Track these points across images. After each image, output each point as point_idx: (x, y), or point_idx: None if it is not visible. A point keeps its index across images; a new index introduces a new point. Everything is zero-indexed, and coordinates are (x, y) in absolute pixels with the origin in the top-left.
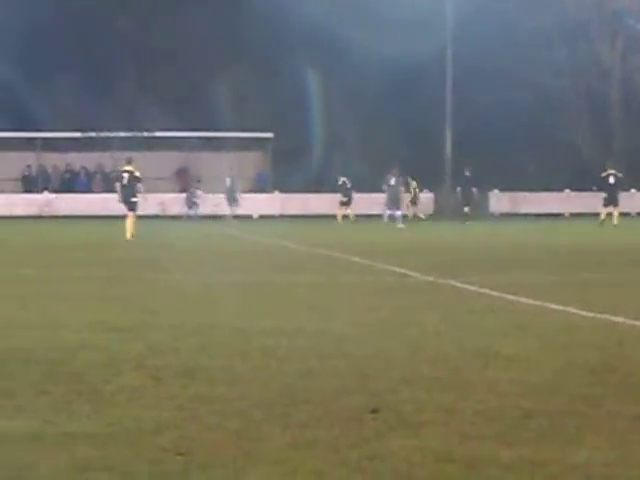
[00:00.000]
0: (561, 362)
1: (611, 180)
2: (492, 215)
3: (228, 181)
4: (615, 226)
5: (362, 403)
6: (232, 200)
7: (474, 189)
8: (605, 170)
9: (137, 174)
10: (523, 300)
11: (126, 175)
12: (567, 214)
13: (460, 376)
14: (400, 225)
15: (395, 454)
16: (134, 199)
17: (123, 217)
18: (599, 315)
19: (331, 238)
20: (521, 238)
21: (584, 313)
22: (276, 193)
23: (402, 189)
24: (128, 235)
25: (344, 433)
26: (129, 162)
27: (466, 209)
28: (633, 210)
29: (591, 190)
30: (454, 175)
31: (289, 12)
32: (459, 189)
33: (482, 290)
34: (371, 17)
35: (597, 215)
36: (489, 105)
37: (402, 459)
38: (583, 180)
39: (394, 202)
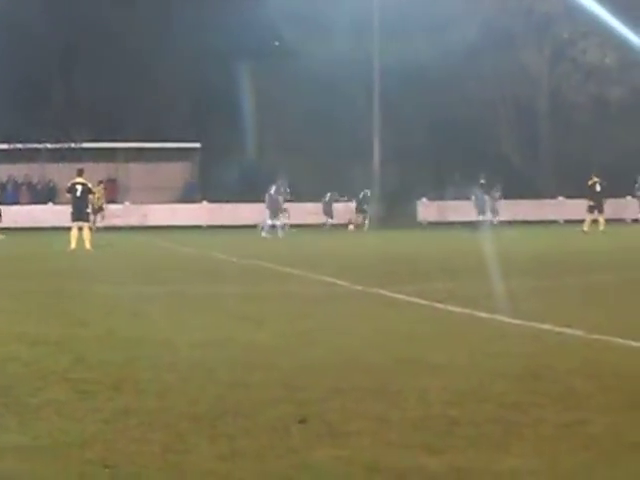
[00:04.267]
0: (489, 370)
1: (597, 188)
2: (420, 224)
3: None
4: (603, 232)
5: (290, 413)
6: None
7: (486, 197)
8: (591, 178)
9: (90, 185)
10: (451, 308)
11: (79, 187)
12: (495, 221)
13: (389, 385)
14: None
15: (323, 464)
16: (88, 210)
17: (67, 229)
18: (527, 323)
19: (261, 248)
20: (449, 247)
21: (512, 321)
22: (204, 203)
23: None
24: (87, 245)
25: (272, 444)
26: (80, 174)
27: (481, 217)
28: (561, 217)
29: (520, 198)
30: (382, 185)
31: (216, 21)
32: (473, 197)
33: (411, 299)
34: (301, 27)
35: (526, 222)
36: (416, 116)
37: (330, 469)
38: (511, 188)
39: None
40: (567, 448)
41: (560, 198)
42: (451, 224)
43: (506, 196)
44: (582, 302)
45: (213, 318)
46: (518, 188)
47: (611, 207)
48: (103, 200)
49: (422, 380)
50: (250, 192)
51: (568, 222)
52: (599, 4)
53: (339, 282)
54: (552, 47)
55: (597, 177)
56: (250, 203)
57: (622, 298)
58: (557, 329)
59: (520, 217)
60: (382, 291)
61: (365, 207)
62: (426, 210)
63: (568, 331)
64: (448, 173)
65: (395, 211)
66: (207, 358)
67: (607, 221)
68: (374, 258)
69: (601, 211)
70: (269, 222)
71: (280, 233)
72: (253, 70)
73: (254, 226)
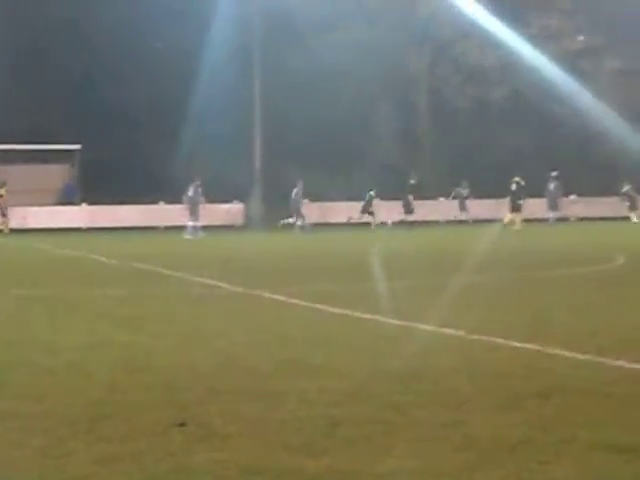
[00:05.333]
0: (369, 370)
1: (512, 187)
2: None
3: (294, 193)
4: (511, 229)
5: (169, 416)
6: (296, 211)
7: (410, 196)
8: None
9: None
10: (332, 309)
11: None
12: (374, 225)
13: (269, 387)
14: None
15: (202, 467)
16: None
17: None
18: (408, 323)
19: (141, 250)
20: (330, 247)
21: (392, 321)
22: (84, 205)
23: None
24: None
25: (151, 447)
26: None
27: (409, 217)
28: (441, 217)
29: (400, 198)
30: (266, 185)
31: (98, 19)
32: (410, 197)
33: (292, 300)
34: (183, 26)
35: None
36: (299, 115)
37: (208, 472)
38: (391, 188)
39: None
40: (447, 449)
41: (441, 199)
42: (334, 226)
43: (385, 197)
44: (464, 302)
45: (92, 321)
46: (398, 188)
47: (492, 207)
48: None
49: (302, 381)
50: (131, 194)
51: (449, 222)
52: (479, 5)
53: (220, 284)
54: (432, 48)
55: (517, 177)
56: (131, 205)
57: (504, 298)
58: (438, 329)
59: (400, 217)
60: (263, 292)
61: (371, 209)
62: (308, 211)
63: (449, 331)
64: (330, 173)
65: (278, 212)
66: (86, 361)
67: (489, 221)
68: (255, 260)
69: (511, 210)
70: (190, 223)
71: (199, 234)
72: (137, 70)
73: (134, 228)
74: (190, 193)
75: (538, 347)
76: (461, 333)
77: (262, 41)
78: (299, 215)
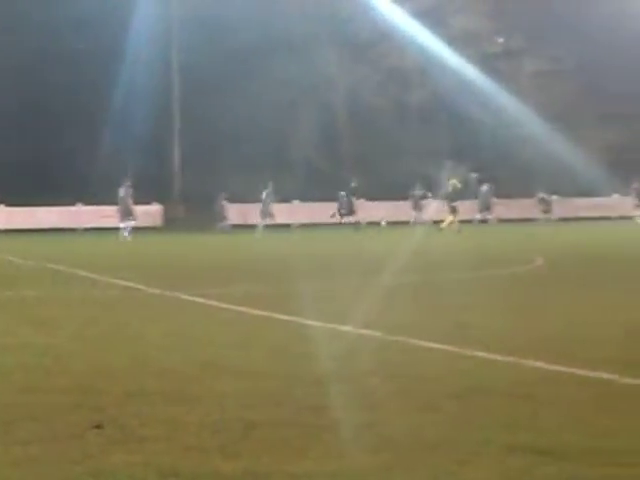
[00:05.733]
0: (288, 373)
1: (449, 189)
2: (222, 226)
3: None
4: (440, 230)
5: (86, 419)
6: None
7: (353, 198)
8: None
9: None
10: (251, 311)
11: None
12: (297, 224)
13: (186, 389)
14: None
15: (118, 469)
16: None
17: None
18: (327, 325)
19: (58, 252)
20: (250, 250)
21: (312, 323)
22: (1, 207)
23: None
24: None
25: (67, 449)
26: None
27: (351, 219)
28: (362, 219)
29: (320, 200)
30: (185, 187)
31: (18, 19)
32: (345, 198)
33: (210, 302)
34: (99, 27)
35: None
36: (219, 117)
37: (125, 474)
38: (310, 190)
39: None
40: (365, 450)
41: (361, 200)
42: (255, 227)
43: (304, 198)
44: (384, 304)
45: (7, 322)
46: (319, 190)
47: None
48: None
49: (220, 384)
50: (49, 196)
51: (370, 224)
52: (399, 7)
53: (137, 286)
54: (351, 50)
55: (453, 179)
56: (49, 207)
57: (423, 300)
58: (357, 331)
59: (317, 220)
60: (180, 294)
61: (349, 209)
62: (230, 213)
63: (367, 332)
64: (248, 175)
65: (197, 213)
66: (1, 363)
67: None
68: (174, 261)
69: (449, 211)
70: (132, 223)
71: (127, 235)
72: (56, 69)
73: (53, 230)
74: (121, 194)
75: (456, 348)
76: (379, 334)
77: (181, 42)
78: (266, 216)
